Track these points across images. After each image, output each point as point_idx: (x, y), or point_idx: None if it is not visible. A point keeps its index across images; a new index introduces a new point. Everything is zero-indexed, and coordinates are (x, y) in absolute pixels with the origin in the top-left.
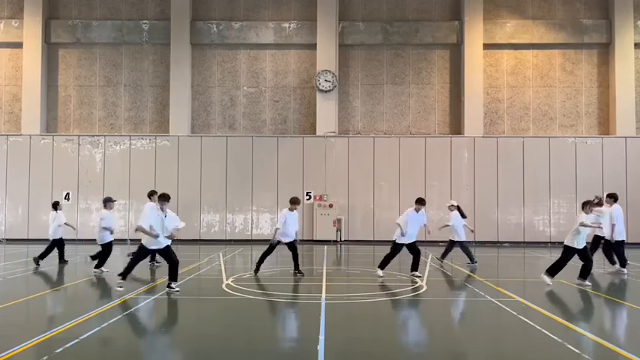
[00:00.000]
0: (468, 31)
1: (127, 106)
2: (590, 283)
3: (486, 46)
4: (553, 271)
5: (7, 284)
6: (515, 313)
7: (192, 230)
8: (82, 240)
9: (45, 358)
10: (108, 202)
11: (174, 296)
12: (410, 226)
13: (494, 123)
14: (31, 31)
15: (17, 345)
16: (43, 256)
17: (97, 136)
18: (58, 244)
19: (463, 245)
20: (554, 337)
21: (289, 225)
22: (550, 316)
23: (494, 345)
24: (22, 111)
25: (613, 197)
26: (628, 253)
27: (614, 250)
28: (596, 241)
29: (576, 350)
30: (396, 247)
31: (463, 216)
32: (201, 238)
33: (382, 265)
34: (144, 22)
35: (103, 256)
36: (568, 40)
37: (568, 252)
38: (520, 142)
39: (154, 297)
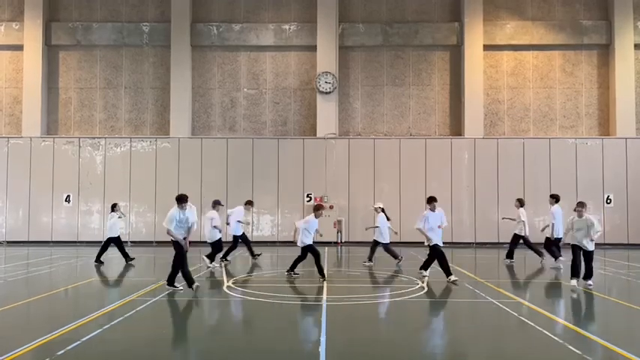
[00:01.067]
0: (468, 33)
1: (128, 108)
2: (592, 283)
3: (486, 48)
4: (575, 272)
5: (9, 286)
6: (515, 314)
7: (194, 232)
8: (83, 242)
9: None
10: (217, 204)
11: (175, 298)
12: (433, 228)
13: (494, 124)
14: (31, 33)
15: (19, 347)
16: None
17: (97, 138)
18: (115, 242)
19: (387, 247)
20: (555, 338)
21: (312, 231)
22: (551, 316)
23: (495, 346)
24: (22, 113)
25: (555, 198)
26: (630, 254)
27: (552, 245)
28: (515, 239)
29: (577, 351)
30: (436, 250)
31: (387, 219)
32: (202, 240)
33: (425, 267)
34: (144, 24)
35: (215, 251)
36: (568, 41)
37: (574, 250)
38: (520, 143)
39: (155, 299)
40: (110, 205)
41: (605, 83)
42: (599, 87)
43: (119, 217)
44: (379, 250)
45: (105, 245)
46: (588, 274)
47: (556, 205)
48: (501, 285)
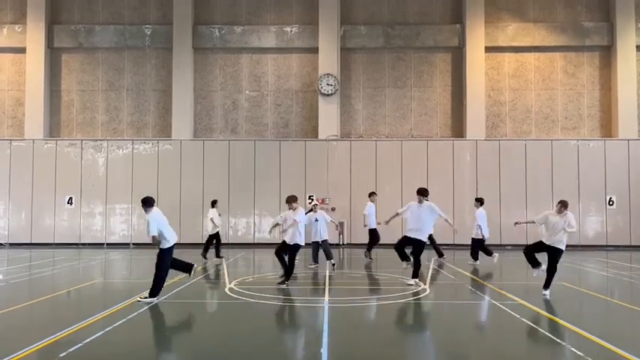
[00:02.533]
0: (470, 34)
1: (130, 110)
2: (548, 295)
3: (488, 49)
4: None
5: (11, 288)
6: (518, 316)
7: (195, 234)
8: (85, 244)
9: None
10: (371, 195)
11: (177, 300)
12: (410, 220)
13: (496, 126)
14: (34, 36)
15: (21, 349)
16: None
17: (99, 140)
18: (216, 237)
19: (325, 244)
20: (558, 340)
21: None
22: (553, 318)
23: (497, 348)
24: (25, 116)
25: (480, 201)
26: (633, 255)
27: (477, 246)
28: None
29: (579, 352)
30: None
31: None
32: (204, 242)
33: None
34: (146, 26)
35: (372, 241)
36: (569, 42)
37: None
38: (522, 144)
39: (157, 300)
40: (210, 202)
41: (607, 85)
42: (600, 88)
43: (219, 215)
44: (375, 251)
45: (209, 241)
46: (547, 283)
47: (481, 208)
48: (503, 287)
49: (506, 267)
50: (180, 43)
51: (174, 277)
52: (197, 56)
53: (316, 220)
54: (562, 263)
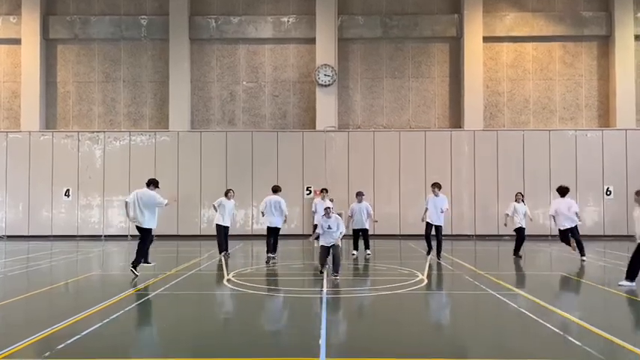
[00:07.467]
0: (468, 24)
1: (127, 101)
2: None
3: (486, 39)
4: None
5: (9, 281)
6: (516, 306)
7: (193, 226)
8: (83, 236)
9: (47, 354)
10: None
11: (175, 292)
12: (430, 210)
13: (494, 116)
14: (29, 27)
15: (19, 341)
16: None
17: (96, 132)
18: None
19: (335, 249)
20: (556, 330)
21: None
22: (551, 308)
23: (495, 338)
24: (21, 107)
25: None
26: (630, 246)
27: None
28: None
29: (577, 342)
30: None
31: None
32: (202, 234)
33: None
34: (142, 17)
35: (518, 241)
36: (568, 32)
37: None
38: (520, 135)
39: (154, 292)
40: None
41: (605, 75)
42: (599, 78)
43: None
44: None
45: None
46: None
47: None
48: (501, 277)
49: (505, 257)
50: (177, 34)
51: (172, 268)
52: (194, 47)
53: (329, 227)
54: (560, 253)
